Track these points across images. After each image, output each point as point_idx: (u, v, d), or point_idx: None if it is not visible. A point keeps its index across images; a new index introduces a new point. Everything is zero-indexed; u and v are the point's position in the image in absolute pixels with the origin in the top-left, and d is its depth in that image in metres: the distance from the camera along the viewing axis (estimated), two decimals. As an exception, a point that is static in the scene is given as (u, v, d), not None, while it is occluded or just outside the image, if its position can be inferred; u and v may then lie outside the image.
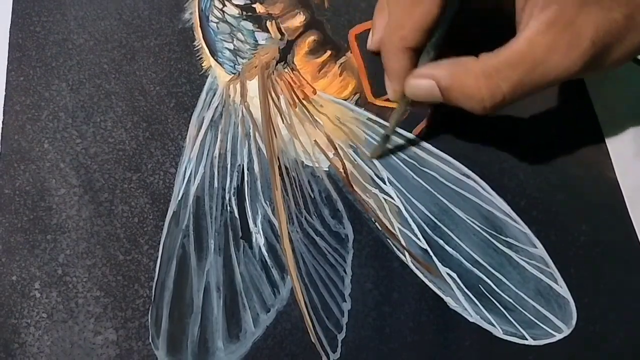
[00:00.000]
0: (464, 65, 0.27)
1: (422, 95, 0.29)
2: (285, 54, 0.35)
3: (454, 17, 0.28)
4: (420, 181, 0.33)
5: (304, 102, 0.34)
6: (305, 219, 0.32)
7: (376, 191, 0.32)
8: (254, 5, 0.36)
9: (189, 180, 0.32)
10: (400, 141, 0.33)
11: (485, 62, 0.26)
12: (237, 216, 0.32)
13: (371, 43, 0.33)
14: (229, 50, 0.35)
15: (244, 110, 0.34)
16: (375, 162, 0.33)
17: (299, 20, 0.36)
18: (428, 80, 0.28)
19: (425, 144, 0.33)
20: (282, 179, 0.32)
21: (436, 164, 0.33)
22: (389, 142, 0.33)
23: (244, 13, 0.36)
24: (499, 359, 0.30)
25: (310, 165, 0.33)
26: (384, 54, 0.30)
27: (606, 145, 0.34)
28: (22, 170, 0.32)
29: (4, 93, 0.33)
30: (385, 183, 0.33)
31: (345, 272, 0.31)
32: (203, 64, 0.35)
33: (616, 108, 0.35)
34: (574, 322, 0.30)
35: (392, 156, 0.33)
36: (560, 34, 0.25)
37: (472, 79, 0.27)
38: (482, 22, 0.30)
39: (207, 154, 0.33)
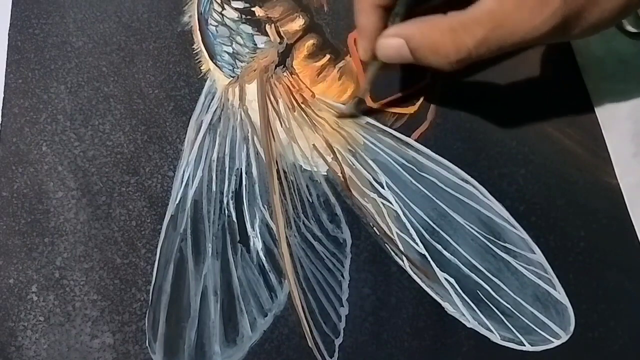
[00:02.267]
0: (431, 21, 0.27)
1: (393, 56, 0.29)
2: (284, 58, 0.35)
3: None
4: (419, 186, 0.33)
5: (302, 106, 0.34)
6: (303, 223, 0.32)
7: (374, 196, 0.32)
8: (253, 9, 0.36)
9: (187, 184, 0.32)
10: (399, 146, 0.33)
11: (453, 18, 0.26)
12: (235, 220, 0.31)
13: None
14: (228, 53, 0.35)
15: (242, 113, 0.34)
16: (374, 166, 0.33)
17: (298, 24, 0.36)
18: (398, 39, 0.28)
19: (424, 149, 0.33)
20: (280, 183, 0.32)
21: (435, 169, 0.33)
22: (362, 106, 0.33)
23: (244, 16, 0.36)
24: (497, 365, 0.30)
25: (309, 169, 0.33)
26: (356, 12, 0.30)
27: (607, 151, 0.34)
28: (20, 173, 0.32)
29: (2, 95, 0.33)
30: (383, 187, 0.33)
31: (343, 277, 0.31)
32: (202, 67, 0.35)
33: (616, 108, 0.35)
34: (572, 328, 0.30)
35: (391, 160, 0.33)
36: None
37: (438, 33, 0.27)
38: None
39: (206, 158, 0.33)
